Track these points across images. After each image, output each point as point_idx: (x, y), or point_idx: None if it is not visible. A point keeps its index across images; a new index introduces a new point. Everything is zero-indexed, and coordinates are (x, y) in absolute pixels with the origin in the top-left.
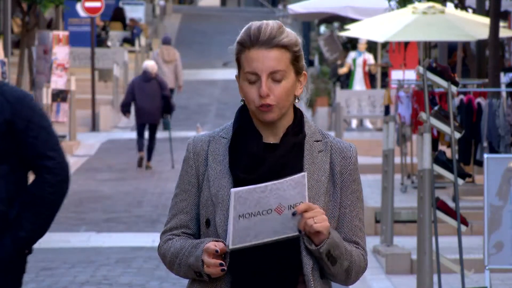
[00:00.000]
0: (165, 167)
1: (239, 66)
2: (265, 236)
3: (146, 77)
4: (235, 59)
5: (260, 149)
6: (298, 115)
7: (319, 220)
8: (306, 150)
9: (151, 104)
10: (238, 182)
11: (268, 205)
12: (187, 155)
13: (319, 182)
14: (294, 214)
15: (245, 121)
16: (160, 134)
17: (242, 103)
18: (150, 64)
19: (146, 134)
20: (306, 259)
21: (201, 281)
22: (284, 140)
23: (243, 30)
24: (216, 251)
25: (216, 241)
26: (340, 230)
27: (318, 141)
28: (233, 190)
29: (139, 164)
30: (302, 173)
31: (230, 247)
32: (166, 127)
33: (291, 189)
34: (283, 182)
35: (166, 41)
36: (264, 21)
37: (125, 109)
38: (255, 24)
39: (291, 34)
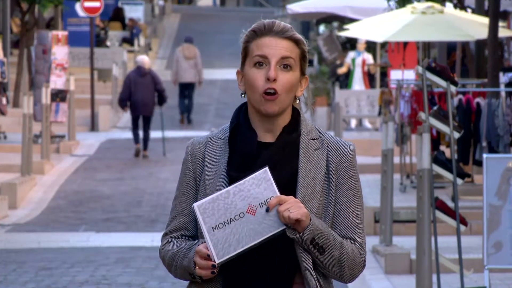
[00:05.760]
0: (162, 167)
1: (246, 55)
2: (248, 240)
3: (141, 72)
4: (243, 48)
5: (253, 147)
6: (295, 114)
7: (294, 209)
8: (301, 148)
9: (145, 98)
10: (232, 181)
11: (237, 209)
12: (185, 157)
13: (315, 180)
14: (267, 210)
15: (241, 121)
16: (157, 134)
17: (243, 96)
18: (145, 60)
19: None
20: (304, 255)
21: (198, 282)
22: (278, 139)
23: (256, 23)
24: (208, 254)
25: None
26: (335, 227)
27: (314, 139)
28: (195, 204)
29: (136, 154)
30: (264, 169)
31: (217, 261)
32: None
33: (256, 187)
34: (245, 182)
35: (188, 40)
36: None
37: (123, 104)
38: (268, 19)
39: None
